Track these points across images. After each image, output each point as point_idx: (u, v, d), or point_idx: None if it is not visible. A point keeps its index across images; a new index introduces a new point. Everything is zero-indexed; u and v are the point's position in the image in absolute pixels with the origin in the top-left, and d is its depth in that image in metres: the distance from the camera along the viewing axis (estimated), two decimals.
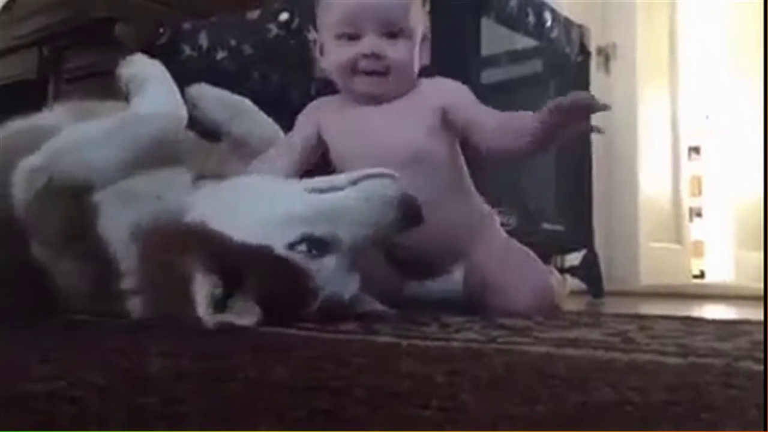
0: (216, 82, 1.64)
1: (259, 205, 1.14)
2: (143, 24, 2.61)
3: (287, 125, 1.61)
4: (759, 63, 4.28)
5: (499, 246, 1.47)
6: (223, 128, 1.55)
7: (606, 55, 3.62)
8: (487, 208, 1.52)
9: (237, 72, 2.48)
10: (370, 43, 1.38)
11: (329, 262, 1.10)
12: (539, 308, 1.36)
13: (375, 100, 1.44)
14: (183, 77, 1.51)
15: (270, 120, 1.61)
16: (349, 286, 1.14)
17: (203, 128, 1.51)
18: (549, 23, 2.41)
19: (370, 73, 1.40)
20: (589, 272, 2.66)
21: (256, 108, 1.61)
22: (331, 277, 1.10)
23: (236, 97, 1.61)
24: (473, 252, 1.44)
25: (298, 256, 1.09)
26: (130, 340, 0.95)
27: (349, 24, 1.39)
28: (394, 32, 1.39)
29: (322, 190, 1.17)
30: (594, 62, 3.02)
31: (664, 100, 4.33)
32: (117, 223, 1.19)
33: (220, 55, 2.47)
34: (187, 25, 2.58)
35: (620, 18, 3.75)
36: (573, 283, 2.68)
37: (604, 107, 1.27)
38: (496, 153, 1.40)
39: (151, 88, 1.34)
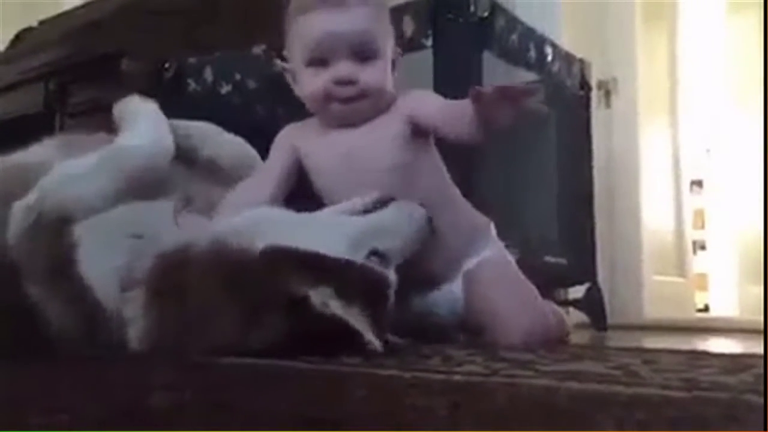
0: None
1: (319, 236, 1.17)
2: (149, 59, 2.64)
3: None
4: (759, 97, 4.31)
5: (492, 266, 1.46)
6: (191, 155, 1.52)
7: (607, 90, 3.64)
8: (482, 218, 1.52)
9: (241, 106, 2.51)
10: (342, 69, 1.38)
11: (392, 275, 1.19)
12: (533, 338, 1.36)
13: (352, 123, 1.44)
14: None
15: (238, 139, 1.59)
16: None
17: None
18: (550, 57, 2.44)
19: (345, 100, 1.40)
20: (593, 305, 2.65)
21: (220, 129, 1.59)
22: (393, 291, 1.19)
23: (199, 123, 1.58)
24: (470, 263, 1.44)
25: (377, 266, 1.17)
26: (130, 373, 0.95)
27: (319, 51, 1.39)
28: (365, 56, 1.39)
29: (353, 213, 1.26)
30: (595, 96, 3.05)
31: (665, 133, 4.35)
32: (102, 263, 1.20)
33: (225, 89, 2.49)
34: (192, 60, 2.61)
35: (621, 52, 3.78)
36: (576, 316, 2.67)
37: (536, 91, 1.28)
38: (456, 142, 1.40)
39: (138, 122, 1.37)
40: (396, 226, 1.25)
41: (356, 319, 1.07)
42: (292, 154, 1.48)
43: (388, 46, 1.42)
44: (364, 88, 1.38)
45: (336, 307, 1.06)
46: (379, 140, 1.42)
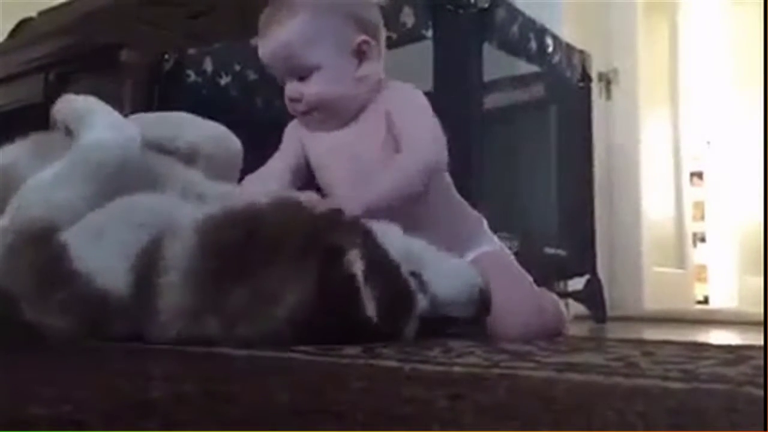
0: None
1: (393, 230, 1.23)
2: (148, 50, 2.64)
3: None
4: (760, 89, 4.30)
5: (488, 259, 1.46)
6: (169, 144, 1.49)
7: (607, 81, 3.64)
8: (474, 214, 1.52)
9: (241, 97, 2.50)
10: (288, 88, 1.45)
11: (423, 300, 1.20)
12: (530, 329, 1.38)
13: (325, 128, 1.48)
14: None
15: (218, 125, 1.56)
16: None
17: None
18: (550, 49, 2.43)
19: (301, 114, 1.46)
20: (592, 297, 2.65)
21: (196, 117, 1.56)
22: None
23: (174, 113, 1.58)
24: (466, 256, 1.45)
25: (412, 282, 1.19)
26: (132, 364, 0.95)
27: (273, 73, 1.47)
28: (299, 73, 1.43)
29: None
30: (595, 88, 3.04)
31: (665, 125, 4.35)
32: (103, 258, 1.18)
33: (225, 80, 2.49)
34: (192, 51, 2.60)
35: (622, 44, 3.77)
36: (576, 307, 2.67)
37: None
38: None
39: (94, 118, 1.33)
40: (451, 277, 1.25)
41: (367, 294, 1.11)
42: (300, 144, 1.52)
43: (329, 50, 1.41)
44: (309, 102, 1.43)
45: (358, 270, 1.10)
46: (363, 136, 1.43)
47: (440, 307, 1.23)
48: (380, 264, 1.15)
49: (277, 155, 1.55)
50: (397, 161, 1.37)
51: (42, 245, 1.19)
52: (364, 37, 1.43)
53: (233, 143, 1.53)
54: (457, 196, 1.50)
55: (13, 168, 1.31)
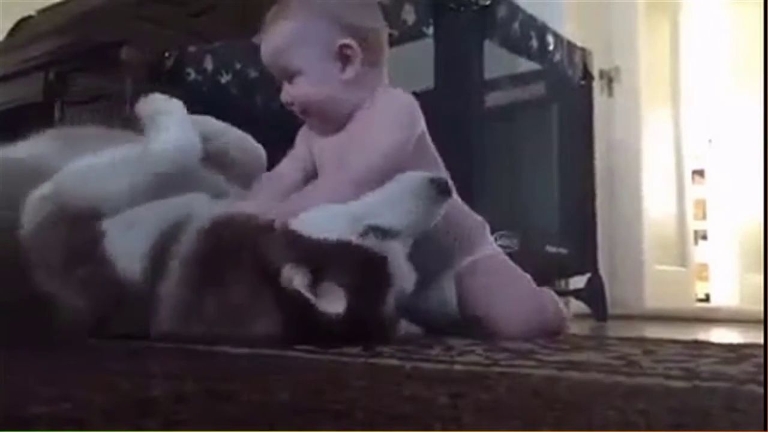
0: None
1: (321, 210, 1.24)
2: (149, 48, 2.63)
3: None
4: (761, 87, 4.29)
5: (488, 261, 1.47)
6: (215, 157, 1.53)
7: (609, 79, 3.63)
8: (477, 219, 1.52)
9: (241, 95, 2.50)
10: (282, 92, 1.49)
11: (396, 246, 1.20)
12: (529, 328, 1.37)
13: (323, 132, 1.51)
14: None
15: (243, 134, 1.60)
16: (409, 279, 1.23)
17: None
18: (552, 47, 2.43)
19: (300, 114, 1.51)
20: (594, 295, 2.65)
21: (226, 124, 1.59)
22: (399, 266, 1.20)
23: (205, 117, 1.61)
24: (465, 262, 1.45)
25: (371, 242, 1.18)
26: (132, 363, 0.95)
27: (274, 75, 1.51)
28: (287, 76, 1.47)
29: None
30: (597, 85, 3.04)
31: (667, 123, 4.34)
32: (130, 248, 1.23)
33: (225, 78, 2.49)
34: (192, 49, 2.60)
35: (623, 41, 3.77)
36: (577, 306, 2.67)
37: None
38: None
39: (167, 123, 1.36)
40: (402, 198, 1.25)
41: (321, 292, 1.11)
42: (308, 149, 1.55)
43: (311, 54, 1.44)
44: (299, 104, 1.47)
45: (299, 283, 1.10)
46: (361, 140, 1.44)
47: (410, 230, 1.24)
48: (348, 260, 1.16)
49: (288, 156, 1.58)
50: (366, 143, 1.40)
51: (81, 226, 1.24)
52: (345, 41, 1.44)
53: (258, 150, 1.58)
54: (459, 201, 1.51)
55: (42, 157, 1.35)
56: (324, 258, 1.14)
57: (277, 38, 1.46)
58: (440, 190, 1.26)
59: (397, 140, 1.40)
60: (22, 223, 1.25)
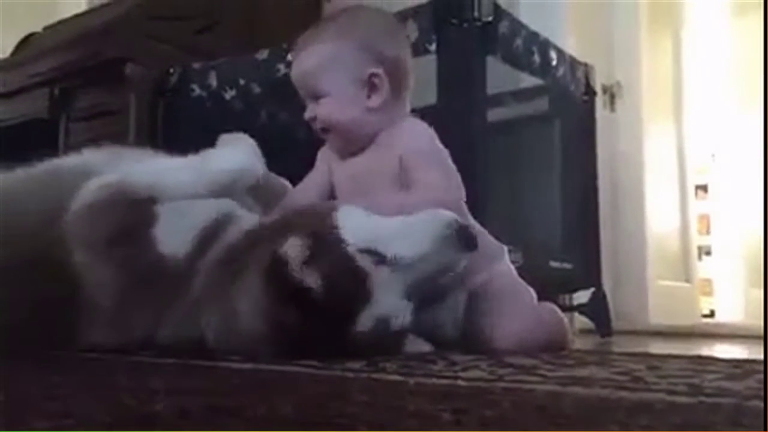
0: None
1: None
2: (153, 64, 2.65)
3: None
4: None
5: (497, 279, 1.47)
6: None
7: (611, 94, 3.64)
8: (495, 245, 1.53)
9: (246, 111, 2.51)
10: (308, 108, 1.52)
11: (384, 272, 1.18)
12: (529, 342, 1.38)
13: (341, 154, 1.54)
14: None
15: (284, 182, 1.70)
16: (399, 313, 1.20)
17: None
18: (554, 62, 2.43)
19: (320, 132, 1.53)
20: (598, 311, 2.64)
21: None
22: (385, 292, 1.18)
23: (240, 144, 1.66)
24: (478, 279, 1.45)
25: (362, 258, 1.18)
26: (135, 378, 0.95)
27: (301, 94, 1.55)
28: (316, 95, 1.50)
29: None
30: (599, 101, 3.04)
31: (670, 138, 4.35)
32: (177, 231, 1.33)
33: (229, 94, 2.50)
34: (196, 65, 2.62)
35: (625, 57, 3.78)
36: (581, 321, 2.67)
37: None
38: None
39: (233, 144, 1.50)
40: (417, 229, 1.23)
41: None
42: (328, 168, 1.58)
43: (340, 79, 1.47)
44: (322, 122, 1.50)
45: (292, 252, 1.16)
46: (374, 169, 1.48)
47: (417, 268, 1.20)
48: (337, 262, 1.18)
49: (311, 173, 1.61)
50: (407, 197, 1.39)
51: (138, 208, 1.33)
52: (374, 69, 1.47)
53: (283, 183, 1.67)
54: (478, 226, 1.51)
55: (90, 163, 1.47)
56: (318, 246, 1.18)
57: (309, 59, 1.50)
58: (465, 242, 1.23)
59: (450, 170, 1.45)
60: (68, 208, 1.33)
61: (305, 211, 1.34)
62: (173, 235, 1.32)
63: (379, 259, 1.19)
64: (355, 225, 1.22)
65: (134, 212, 1.33)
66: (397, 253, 1.19)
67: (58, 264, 1.31)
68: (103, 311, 1.31)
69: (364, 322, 1.16)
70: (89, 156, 1.55)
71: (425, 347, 1.33)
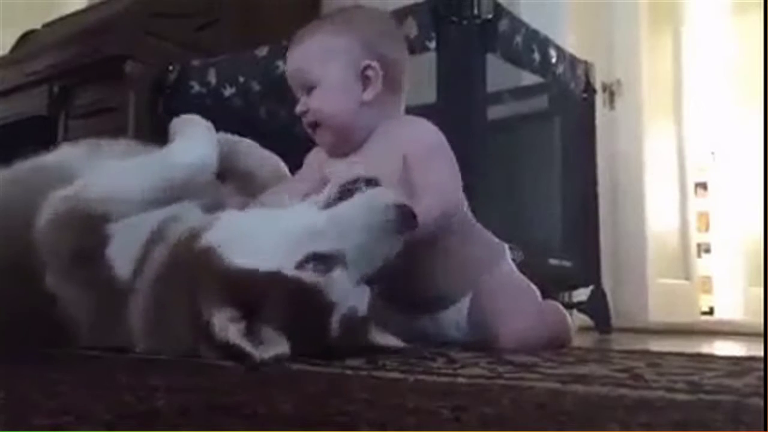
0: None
1: (266, 231, 1.17)
2: (152, 61, 2.65)
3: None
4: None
5: (500, 278, 1.47)
6: (229, 168, 1.56)
7: (611, 92, 3.64)
8: (496, 243, 1.52)
9: (245, 108, 2.51)
10: (300, 102, 1.49)
11: (338, 276, 1.12)
12: (531, 340, 1.37)
13: (332, 152, 1.51)
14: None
15: (273, 156, 1.65)
16: (359, 302, 1.15)
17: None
18: (554, 60, 2.43)
19: (309, 127, 1.50)
20: (597, 308, 2.64)
21: (258, 145, 1.64)
22: (343, 291, 1.12)
23: (241, 138, 1.64)
24: (479, 284, 1.45)
25: (306, 274, 1.10)
26: (135, 375, 0.95)
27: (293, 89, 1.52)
28: (307, 87, 1.48)
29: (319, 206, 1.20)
30: (599, 99, 3.04)
31: (669, 136, 4.35)
32: (125, 250, 1.27)
33: (229, 91, 2.49)
34: (196, 62, 2.61)
35: (625, 55, 3.77)
36: (581, 319, 2.66)
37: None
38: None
39: (189, 134, 1.42)
40: (347, 221, 1.14)
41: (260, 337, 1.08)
42: (318, 169, 1.53)
43: (334, 69, 1.45)
44: (314, 115, 1.47)
45: (233, 334, 1.06)
46: (377, 166, 1.41)
47: (363, 260, 1.13)
48: (281, 294, 1.09)
49: (295, 177, 1.58)
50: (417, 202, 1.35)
51: (91, 229, 1.27)
52: (369, 62, 1.45)
53: (273, 159, 1.62)
54: (477, 225, 1.51)
55: (67, 163, 1.43)
56: (256, 293, 1.09)
57: (304, 49, 1.49)
58: (405, 224, 1.15)
59: (455, 173, 1.43)
60: (36, 220, 1.30)
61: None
62: (123, 253, 1.27)
63: (324, 260, 1.11)
64: (280, 238, 1.13)
65: (90, 232, 1.27)
66: (337, 248, 1.12)
67: (36, 270, 1.29)
68: (79, 324, 1.30)
69: (333, 328, 1.11)
70: (67, 152, 1.51)
71: (394, 341, 1.25)
